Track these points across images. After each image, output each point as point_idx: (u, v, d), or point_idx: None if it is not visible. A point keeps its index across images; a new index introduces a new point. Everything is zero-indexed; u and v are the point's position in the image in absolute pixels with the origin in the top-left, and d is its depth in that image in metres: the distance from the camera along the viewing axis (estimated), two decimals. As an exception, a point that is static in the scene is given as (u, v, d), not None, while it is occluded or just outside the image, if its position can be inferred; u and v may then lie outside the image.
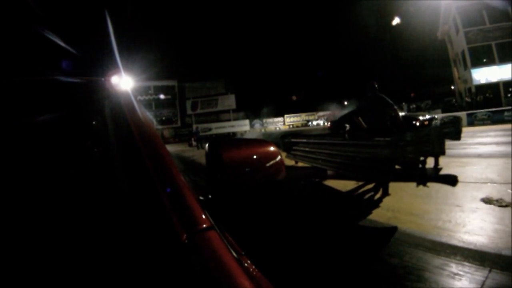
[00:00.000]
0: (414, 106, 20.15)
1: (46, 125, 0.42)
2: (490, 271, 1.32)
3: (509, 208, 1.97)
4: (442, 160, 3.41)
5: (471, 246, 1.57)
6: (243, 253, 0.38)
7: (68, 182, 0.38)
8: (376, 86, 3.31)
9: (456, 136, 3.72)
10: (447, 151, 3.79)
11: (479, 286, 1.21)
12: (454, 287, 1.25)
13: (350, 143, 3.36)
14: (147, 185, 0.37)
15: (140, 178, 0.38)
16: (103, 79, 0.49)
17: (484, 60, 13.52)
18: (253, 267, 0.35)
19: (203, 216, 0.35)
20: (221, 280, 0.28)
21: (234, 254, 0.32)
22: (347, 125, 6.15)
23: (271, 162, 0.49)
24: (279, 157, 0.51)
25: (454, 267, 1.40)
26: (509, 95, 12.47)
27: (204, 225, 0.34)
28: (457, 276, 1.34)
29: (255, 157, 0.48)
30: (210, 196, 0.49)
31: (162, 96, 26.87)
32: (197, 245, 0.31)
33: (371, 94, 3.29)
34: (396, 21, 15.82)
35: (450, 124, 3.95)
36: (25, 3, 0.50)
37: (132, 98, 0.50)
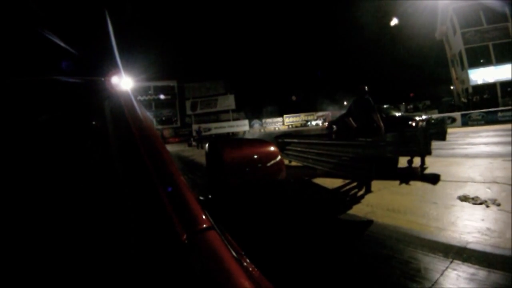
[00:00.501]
0: (411, 106, 20.25)
1: (46, 125, 0.42)
2: (451, 262, 1.41)
3: (483, 206, 2.05)
4: (429, 160, 3.54)
5: (439, 239, 1.67)
6: (243, 253, 0.38)
7: (68, 182, 0.38)
8: (366, 89, 3.51)
9: (441, 136, 3.88)
10: (437, 151, 3.97)
11: (439, 274, 1.31)
12: (414, 274, 1.34)
13: (336, 143, 3.55)
14: (147, 185, 0.37)
15: (140, 178, 0.38)
16: (103, 79, 0.49)
17: (481, 60, 13.59)
18: (253, 267, 0.35)
19: (203, 216, 0.35)
20: (221, 280, 0.28)
21: (234, 254, 0.33)
22: (334, 126, 6.37)
23: (272, 162, 0.49)
24: (279, 157, 0.51)
25: (419, 257, 1.52)
26: (508, 95, 12.53)
27: (204, 225, 0.34)
28: (420, 264, 1.45)
29: (255, 157, 0.48)
30: (210, 196, 0.49)
31: (162, 96, 26.86)
32: (197, 245, 0.31)
33: (359, 97, 3.52)
34: (394, 21, 15.91)
35: (436, 125, 4.03)
36: (25, 3, 0.50)
37: (132, 98, 0.50)
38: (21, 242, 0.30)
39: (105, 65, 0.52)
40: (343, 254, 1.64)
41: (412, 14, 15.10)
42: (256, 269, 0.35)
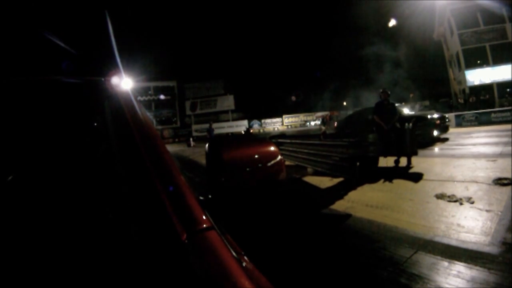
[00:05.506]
0: (409, 107, 20.40)
1: (46, 125, 0.42)
2: (415, 252, 1.53)
3: (457, 203, 2.14)
4: (416, 160, 3.70)
5: (408, 232, 1.80)
6: (243, 253, 0.38)
7: (69, 182, 0.38)
8: (383, 92, 3.88)
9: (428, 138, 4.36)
10: (425, 152, 4.30)
11: (402, 262, 1.45)
12: (380, 261, 1.48)
13: (324, 144, 3.79)
14: (147, 185, 0.36)
15: (140, 178, 0.38)
16: (103, 79, 0.49)
17: (478, 61, 13.67)
18: (253, 267, 0.35)
19: (203, 216, 0.35)
20: (221, 280, 0.28)
21: (234, 254, 0.33)
22: (323, 127, 6.58)
23: (272, 162, 0.49)
24: (279, 157, 0.51)
25: (386, 246, 1.64)
26: (506, 95, 12.59)
27: (204, 225, 0.34)
28: (387, 253, 1.56)
29: (255, 157, 0.48)
30: (210, 196, 0.49)
31: (161, 97, 26.84)
32: (197, 245, 0.31)
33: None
34: (392, 23, 16.02)
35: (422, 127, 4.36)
36: (25, 3, 0.50)
37: (132, 98, 0.50)
38: (22, 241, 0.30)
39: (105, 65, 0.52)
40: (323, 244, 1.80)
41: (410, 15, 15.20)
42: (256, 269, 0.35)
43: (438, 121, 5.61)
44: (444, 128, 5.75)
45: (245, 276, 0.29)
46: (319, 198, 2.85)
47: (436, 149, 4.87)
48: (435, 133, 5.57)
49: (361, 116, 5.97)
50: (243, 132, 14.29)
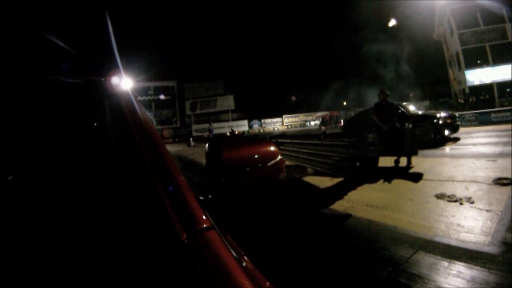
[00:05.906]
0: (415, 105, 20.30)
1: (46, 125, 0.42)
2: (415, 252, 1.53)
3: (457, 203, 2.14)
4: (416, 160, 3.71)
5: (408, 232, 1.80)
6: (243, 253, 0.38)
7: (69, 182, 0.38)
8: (380, 94, 3.91)
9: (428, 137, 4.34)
10: (425, 152, 4.27)
11: (402, 262, 1.45)
12: (380, 261, 1.49)
13: (324, 144, 3.76)
14: (147, 185, 0.37)
15: (140, 178, 0.38)
16: (103, 79, 0.49)
17: (478, 61, 13.67)
18: (253, 267, 0.35)
19: (203, 216, 0.35)
20: (221, 280, 0.28)
21: (234, 254, 0.33)
22: (323, 127, 6.61)
23: (272, 162, 0.49)
24: (279, 156, 0.51)
25: (386, 246, 1.65)
26: (506, 95, 12.58)
27: (204, 225, 0.34)
28: (383, 252, 1.58)
29: (255, 157, 0.48)
30: (210, 196, 0.49)
31: (162, 97, 26.86)
32: (197, 245, 0.31)
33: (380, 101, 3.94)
34: (392, 22, 16.04)
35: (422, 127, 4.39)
36: (25, 3, 0.50)
37: (132, 98, 0.50)
38: (22, 242, 0.30)
39: (105, 65, 0.52)
40: (323, 244, 1.80)
41: (410, 15, 15.20)
42: (256, 269, 0.35)
43: (448, 120, 5.45)
44: (455, 128, 5.60)
45: (245, 276, 0.29)
46: (319, 198, 2.85)
47: (438, 149, 4.84)
48: (446, 132, 5.32)
49: (367, 115, 5.98)
50: (228, 134, 14.34)
